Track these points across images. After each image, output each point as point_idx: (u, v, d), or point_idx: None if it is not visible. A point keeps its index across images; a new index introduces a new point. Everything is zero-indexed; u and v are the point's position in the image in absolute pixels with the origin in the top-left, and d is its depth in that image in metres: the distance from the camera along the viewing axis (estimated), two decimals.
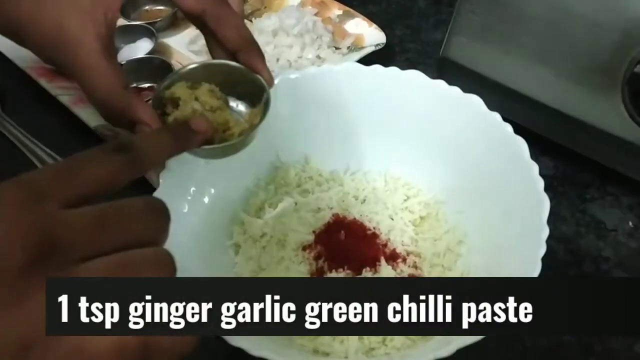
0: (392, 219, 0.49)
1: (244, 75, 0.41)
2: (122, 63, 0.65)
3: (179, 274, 0.38)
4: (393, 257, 0.46)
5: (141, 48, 0.67)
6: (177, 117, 0.38)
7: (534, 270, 0.37)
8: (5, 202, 0.23)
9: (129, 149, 0.28)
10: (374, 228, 0.48)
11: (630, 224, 0.53)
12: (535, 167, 0.43)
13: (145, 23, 0.69)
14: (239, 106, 0.42)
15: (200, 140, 0.37)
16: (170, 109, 0.39)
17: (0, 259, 0.22)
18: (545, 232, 0.39)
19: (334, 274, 0.45)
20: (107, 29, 0.39)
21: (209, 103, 0.38)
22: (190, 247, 0.42)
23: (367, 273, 0.45)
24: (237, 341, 0.35)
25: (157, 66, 0.64)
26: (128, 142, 0.29)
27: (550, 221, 0.40)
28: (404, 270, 0.46)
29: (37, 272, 0.22)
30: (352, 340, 0.41)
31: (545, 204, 0.41)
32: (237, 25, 0.41)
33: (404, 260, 0.46)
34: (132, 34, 0.68)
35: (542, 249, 0.38)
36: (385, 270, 0.45)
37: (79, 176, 0.25)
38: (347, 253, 0.46)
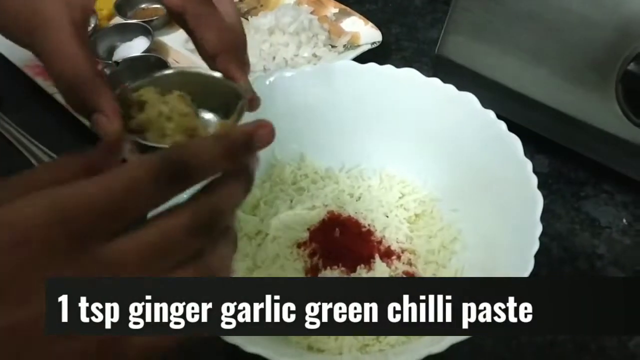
0: (387, 217, 0.50)
1: (221, 85, 0.38)
2: (119, 61, 0.65)
3: None
4: (388, 255, 0.47)
5: (137, 46, 0.67)
6: (141, 120, 0.34)
7: (526, 267, 0.37)
8: (50, 251, 0.22)
9: (184, 176, 0.25)
10: (368, 225, 0.49)
11: (625, 221, 0.53)
12: (529, 165, 0.43)
13: (142, 21, 0.69)
14: (212, 118, 0.38)
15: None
16: (135, 112, 0.36)
17: None
18: (539, 229, 0.39)
19: (328, 272, 0.45)
20: (82, 14, 0.37)
21: (177, 108, 0.35)
22: None
23: (361, 270, 0.45)
24: (231, 338, 0.35)
25: (154, 64, 0.64)
26: (180, 161, 0.25)
27: (545, 219, 0.40)
28: (398, 268, 0.46)
29: None
30: (347, 337, 0.42)
31: (539, 201, 0.41)
32: (218, 27, 0.38)
33: (399, 257, 0.47)
34: (129, 32, 0.68)
35: (535, 246, 0.38)
36: (380, 268, 0.45)
37: (126, 214, 0.24)
38: (342, 250, 0.46)
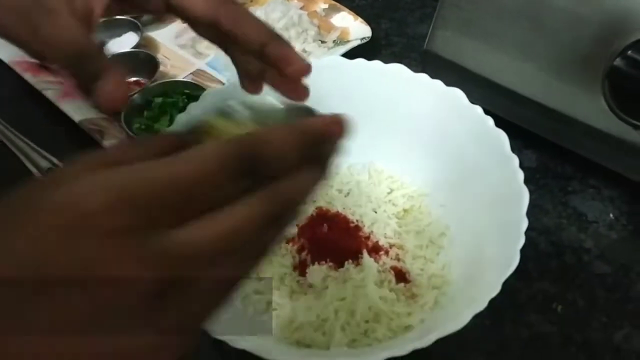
0: (376, 212, 0.50)
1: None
2: (108, 58, 0.65)
3: None
4: (376, 250, 0.47)
5: (127, 42, 0.67)
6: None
7: (512, 261, 0.38)
8: (114, 236, 0.20)
9: (256, 164, 0.23)
10: (357, 221, 0.49)
11: (611, 215, 0.54)
12: (515, 160, 0.44)
13: (131, 17, 0.68)
14: None
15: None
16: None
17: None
18: (525, 224, 0.40)
19: (316, 267, 0.45)
20: (84, 7, 0.37)
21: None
22: None
23: (349, 266, 0.45)
24: (220, 335, 0.35)
25: (143, 60, 0.64)
26: (253, 152, 0.23)
27: (532, 213, 0.41)
28: (386, 263, 0.46)
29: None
30: (335, 332, 0.42)
31: (525, 196, 0.41)
32: (255, 20, 0.37)
33: (387, 252, 0.47)
34: (118, 27, 0.68)
35: (521, 241, 0.39)
36: (368, 263, 0.45)
37: (195, 203, 0.22)
38: (330, 246, 0.46)
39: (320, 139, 0.26)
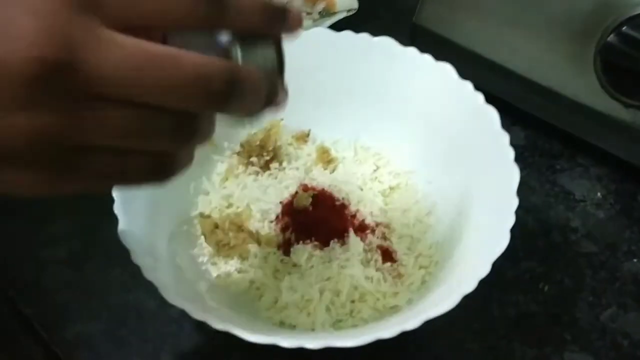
0: (362, 190, 0.49)
1: None
2: None
3: (140, 246, 0.37)
4: (362, 229, 0.46)
5: None
6: None
7: (502, 242, 0.37)
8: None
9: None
10: (342, 199, 0.47)
11: (599, 194, 0.53)
12: (506, 137, 0.43)
13: None
14: None
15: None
16: None
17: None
18: (515, 203, 0.39)
19: (301, 246, 0.44)
20: None
21: None
22: (150, 217, 0.41)
23: (335, 245, 0.44)
24: (201, 315, 0.34)
25: None
26: None
27: (520, 191, 0.40)
28: (372, 242, 0.45)
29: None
30: (319, 313, 0.41)
31: (515, 175, 0.40)
32: None
33: (373, 231, 0.46)
34: None
35: (511, 221, 0.38)
36: (354, 242, 0.44)
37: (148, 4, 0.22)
38: (315, 224, 0.45)
39: (280, 14, 0.26)
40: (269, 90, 0.27)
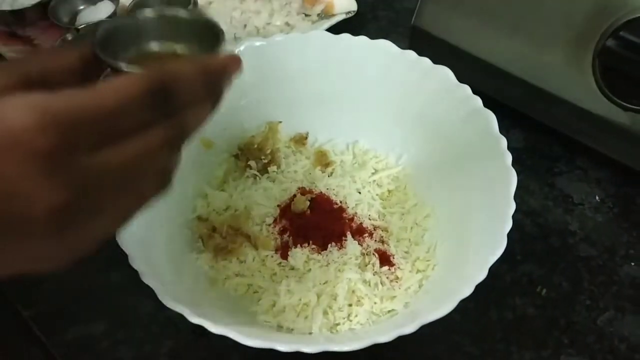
0: (360, 193, 0.49)
1: (197, 23, 0.35)
2: (80, 27, 0.62)
3: (138, 248, 0.37)
4: (360, 232, 0.46)
5: (102, 10, 0.64)
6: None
7: (499, 246, 0.37)
8: (39, 157, 0.22)
9: (168, 102, 0.26)
10: (340, 202, 0.47)
11: (597, 198, 0.53)
12: (503, 141, 0.42)
13: None
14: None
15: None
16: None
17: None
18: (512, 207, 0.39)
19: (298, 250, 0.44)
20: None
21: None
22: (149, 220, 0.41)
23: (333, 248, 0.44)
24: (198, 319, 0.34)
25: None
26: (164, 86, 0.26)
27: (518, 194, 0.40)
28: (370, 245, 0.45)
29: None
30: (317, 316, 0.41)
31: (513, 179, 0.40)
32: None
33: (371, 234, 0.46)
34: None
35: (508, 225, 0.38)
36: (352, 246, 0.44)
37: (114, 129, 0.24)
38: (313, 228, 0.45)
39: (220, 76, 0.29)
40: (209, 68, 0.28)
